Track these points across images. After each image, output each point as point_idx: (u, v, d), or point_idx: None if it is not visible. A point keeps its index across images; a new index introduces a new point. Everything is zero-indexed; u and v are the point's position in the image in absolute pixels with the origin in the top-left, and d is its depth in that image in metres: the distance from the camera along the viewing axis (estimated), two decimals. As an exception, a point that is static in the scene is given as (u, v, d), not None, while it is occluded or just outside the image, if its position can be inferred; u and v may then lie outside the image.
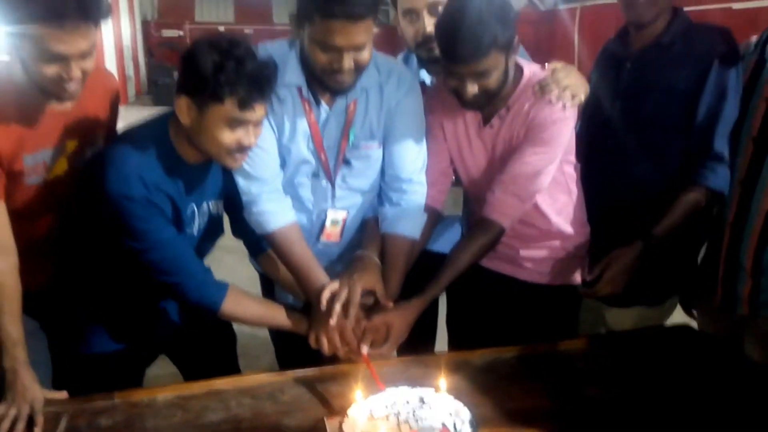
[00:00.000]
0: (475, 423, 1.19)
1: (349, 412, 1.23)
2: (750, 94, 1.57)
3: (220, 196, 1.56)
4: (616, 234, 1.68)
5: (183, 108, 1.30)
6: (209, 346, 1.70)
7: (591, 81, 1.83)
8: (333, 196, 1.61)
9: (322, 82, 1.45)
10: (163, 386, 1.41)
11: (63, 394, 1.37)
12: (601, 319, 1.92)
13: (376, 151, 1.59)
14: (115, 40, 10.68)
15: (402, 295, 1.58)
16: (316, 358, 1.49)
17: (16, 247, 1.37)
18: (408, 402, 1.27)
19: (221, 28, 14.15)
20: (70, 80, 1.27)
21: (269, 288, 1.79)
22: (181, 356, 1.73)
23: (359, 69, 1.41)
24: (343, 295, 1.45)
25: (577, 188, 1.71)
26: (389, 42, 1.73)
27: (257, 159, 1.48)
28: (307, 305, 1.55)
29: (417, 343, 1.59)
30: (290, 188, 1.58)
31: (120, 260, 1.39)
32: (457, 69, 1.43)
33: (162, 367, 1.72)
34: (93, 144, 1.51)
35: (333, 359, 1.48)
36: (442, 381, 1.31)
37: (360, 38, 1.35)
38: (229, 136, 1.30)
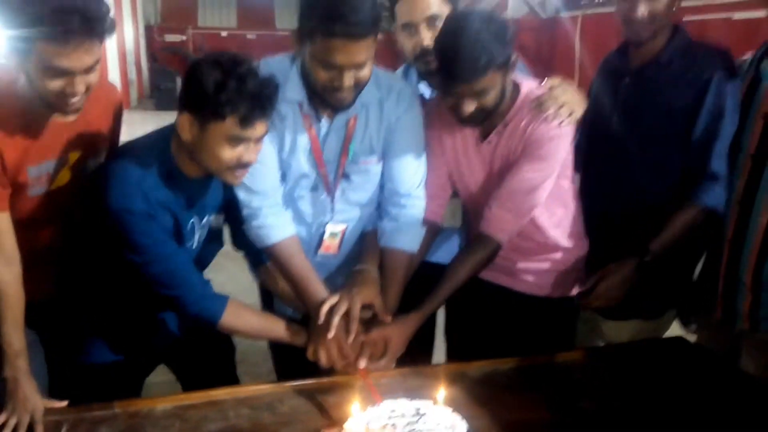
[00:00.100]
0: (471, 436, 1.20)
1: (346, 425, 1.25)
2: (746, 110, 1.59)
3: (221, 210, 1.58)
4: (615, 247, 1.69)
5: (184, 124, 1.31)
6: (208, 355, 1.71)
7: (592, 92, 1.85)
8: (332, 209, 1.62)
9: (323, 99, 1.46)
10: (163, 396, 1.43)
11: (63, 404, 1.38)
12: (599, 332, 1.93)
13: (375, 166, 1.60)
14: (118, 45, 10.71)
15: (400, 305, 1.59)
16: (314, 368, 1.50)
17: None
18: (405, 414, 1.28)
19: (224, 33, 14.20)
20: (74, 95, 1.28)
21: (268, 297, 1.80)
22: (180, 366, 1.74)
23: (359, 86, 1.43)
24: (342, 308, 1.47)
25: (575, 202, 1.72)
26: (392, 50, 1.74)
27: (258, 173, 1.48)
28: (305, 317, 1.56)
29: (415, 354, 1.59)
30: (290, 201, 1.60)
31: (120, 271, 1.40)
32: (455, 88, 1.44)
33: (160, 374, 1.72)
34: (96, 155, 1.52)
35: (331, 370, 1.49)
36: (440, 393, 1.32)
37: (361, 57, 1.36)
38: (229, 153, 1.31)
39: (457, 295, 1.60)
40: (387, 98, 1.55)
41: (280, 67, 1.48)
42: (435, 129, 1.64)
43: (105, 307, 1.54)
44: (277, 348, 1.90)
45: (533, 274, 1.74)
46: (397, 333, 1.51)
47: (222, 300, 1.44)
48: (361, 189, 1.62)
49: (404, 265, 1.60)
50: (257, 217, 1.53)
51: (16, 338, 1.36)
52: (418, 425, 1.25)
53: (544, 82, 1.58)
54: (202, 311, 1.42)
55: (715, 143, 1.59)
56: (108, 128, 1.57)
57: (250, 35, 14.17)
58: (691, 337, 1.82)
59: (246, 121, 1.27)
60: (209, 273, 1.63)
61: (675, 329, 1.88)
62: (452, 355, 2.00)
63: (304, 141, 1.53)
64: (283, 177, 1.57)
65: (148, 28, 13.67)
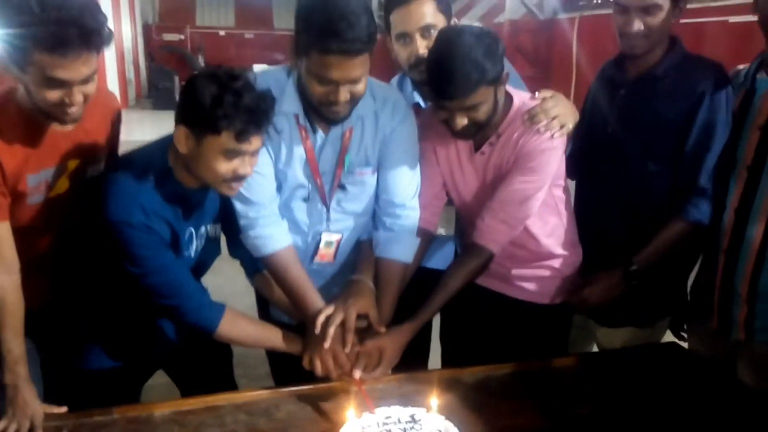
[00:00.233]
0: (464, 443, 1.22)
1: (342, 431, 1.26)
2: (742, 122, 1.58)
3: (218, 220, 1.59)
4: (608, 256, 1.71)
5: (181, 137, 1.32)
6: (206, 361, 1.72)
7: (588, 101, 1.86)
8: (328, 219, 1.63)
9: (319, 112, 1.47)
10: (161, 402, 1.44)
11: (62, 409, 1.40)
12: (593, 339, 1.95)
13: (370, 177, 1.62)
14: (116, 44, 10.69)
15: (396, 309, 1.61)
16: (310, 372, 1.51)
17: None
18: (399, 421, 1.30)
19: (222, 33, 14.18)
20: (72, 105, 1.29)
21: (265, 301, 1.80)
22: (178, 371, 1.75)
23: (355, 100, 1.44)
24: (338, 319, 1.48)
25: (567, 210, 1.74)
26: (388, 57, 1.75)
27: (254, 184, 1.50)
28: (301, 324, 1.58)
29: (411, 359, 1.61)
30: (286, 211, 1.61)
31: (118, 278, 1.40)
32: (446, 104, 1.45)
33: (158, 376, 1.73)
34: (94, 163, 1.53)
35: (327, 377, 1.50)
36: (434, 400, 1.34)
37: (356, 72, 1.37)
38: (225, 166, 1.32)
39: (453, 300, 1.62)
40: (382, 110, 1.56)
41: (276, 79, 1.50)
42: (429, 138, 1.66)
43: (103, 314, 1.55)
44: (273, 352, 1.92)
45: (527, 281, 1.76)
46: (391, 343, 1.52)
47: (219, 309, 1.46)
48: (357, 199, 1.63)
49: (398, 276, 1.61)
50: (254, 227, 1.54)
51: (16, 345, 1.37)
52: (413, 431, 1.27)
53: (536, 94, 1.60)
54: (199, 321, 1.44)
55: (704, 158, 1.60)
56: (106, 136, 1.58)
57: (248, 34, 14.17)
58: (684, 345, 1.84)
59: (242, 136, 1.28)
60: (207, 275, 1.65)
61: (669, 337, 1.89)
62: (447, 361, 2.02)
63: (300, 152, 1.54)
64: (279, 187, 1.58)
65: (146, 27, 13.65)
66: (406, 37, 1.65)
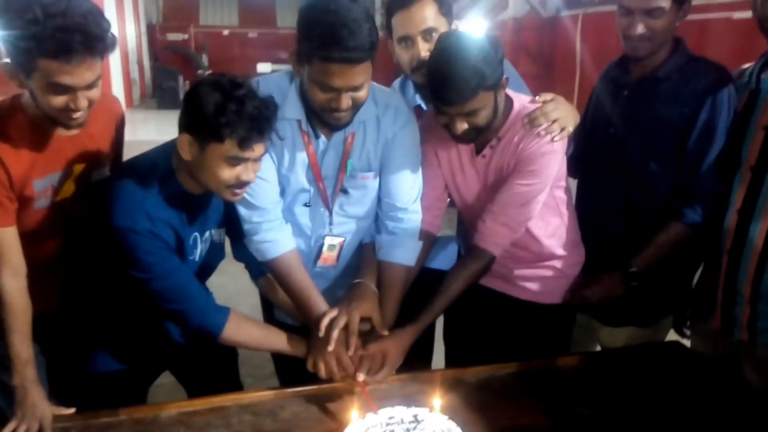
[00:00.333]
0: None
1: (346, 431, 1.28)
2: (746, 122, 1.58)
3: (222, 224, 1.60)
4: (609, 255, 1.72)
5: (184, 144, 1.33)
6: (211, 362, 1.73)
7: (592, 102, 1.87)
8: (330, 222, 1.64)
9: (321, 119, 1.48)
10: (168, 403, 1.46)
11: (70, 411, 1.42)
12: (595, 338, 1.95)
13: (372, 181, 1.62)
14: (120, 44, 10.69)
15: (399, 310, 1.62)
16: (313, 373, 1.52)
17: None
18: (402, 421, 1.32)
19: (225, 32, 14.18)
20: (77, 110, 1.31)
21: (270, 303, 1.82)
22: (184, 373, 1.77)
23: (357, 107, 1.44)
24: (341, 322, 1.49)
25: (569, 211, 1.74)
26: (390, 59, 1.76)
27: (258, 189, 1.51)
28: (305, 325, 1.59)
29: (414, 359, 1.62)
30: (289, 215, 1.62)
31: (124, 282, 1.41)
32: (446, 109, 1.46)
33: (164, 376, 1.75)
34: (99, 167, 1.55)
35: (331, 378, 1.51)
36: (436, 400, 1.35)
37: (358, 80, 1.38)
38: (228, 173, 1.33)
39: (455, 302, 1.63)
40: (384, 115, 1.57)
41: (279, 85, 1.51)
42: (431, 141, 1.66)
43: (109, 318, 1.56)
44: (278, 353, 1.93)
45: (530, 281, 1.77)
46: (394, 346, 1.54)
47: (224, 313, 1.47)
48: (359, 203, 1.64)
49: (401, 279, 1.62)
50: (258, 232, 1.55)
51: (24, 348, 1.39)
52: (416, 432, 1.28)
53: (536, 98, 1.60)
54: (204, 325, 1.45)
55: (704, 160, 1.61)
56: (111, 140, 1.60)
57: (252, 33, 14.15)
58: (686, 344, 1.84)
59: (245, 143, 1.29)
60: (211, 276, 1.66)
61: (672, 336, 1.89)
62: (451, 360, 2.03)
63: (302, 157, 1.55)
64: (282, 192, 1.59)
65: (150, 27, 13.65)
66: (407, 40, 1.66)
